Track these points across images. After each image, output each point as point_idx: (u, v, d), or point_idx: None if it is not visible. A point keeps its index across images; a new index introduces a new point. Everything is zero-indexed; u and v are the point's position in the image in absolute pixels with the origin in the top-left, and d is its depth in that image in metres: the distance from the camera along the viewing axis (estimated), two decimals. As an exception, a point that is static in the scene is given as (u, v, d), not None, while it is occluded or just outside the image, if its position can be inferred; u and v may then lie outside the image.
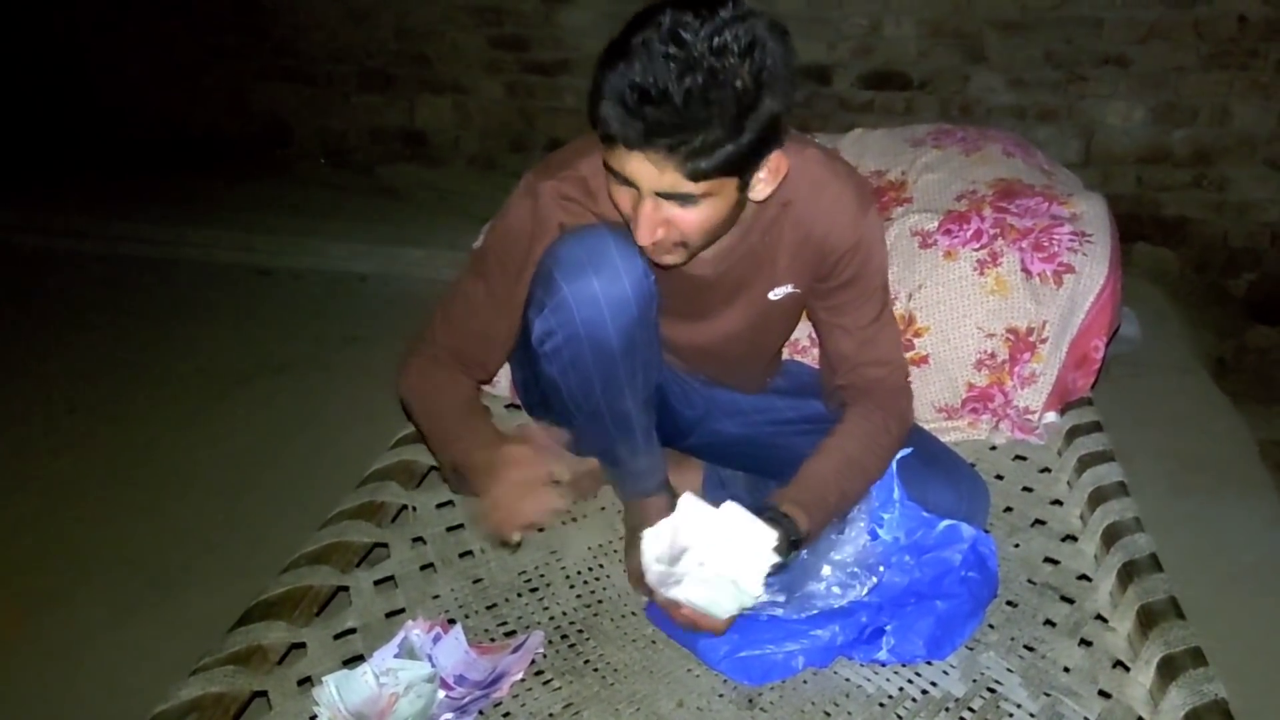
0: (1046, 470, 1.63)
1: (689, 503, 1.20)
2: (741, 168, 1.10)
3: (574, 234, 1.24)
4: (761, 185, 1.16)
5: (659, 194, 1.09)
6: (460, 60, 3.73)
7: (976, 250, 1.67)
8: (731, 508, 1.18)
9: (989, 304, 1.66)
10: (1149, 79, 3.10)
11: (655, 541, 1.18)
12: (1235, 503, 2.04)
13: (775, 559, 1.16)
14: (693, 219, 1.12)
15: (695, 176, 1.06)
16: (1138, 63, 3.09)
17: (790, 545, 1.21)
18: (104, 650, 1.72)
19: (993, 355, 1.66)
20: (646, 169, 1.06)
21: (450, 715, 1.15)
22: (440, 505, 1.59)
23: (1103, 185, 3.18)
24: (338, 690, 1.16)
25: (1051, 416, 1.70)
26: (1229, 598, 1.70)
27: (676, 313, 1.36)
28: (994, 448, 1.71)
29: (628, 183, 1.10)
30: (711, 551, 1.16)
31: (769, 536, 1.16)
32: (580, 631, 1.34)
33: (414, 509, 1.57)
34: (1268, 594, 1.74)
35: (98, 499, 2.19)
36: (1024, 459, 1.67)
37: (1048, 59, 3.15)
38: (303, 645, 1.29)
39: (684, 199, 1.09)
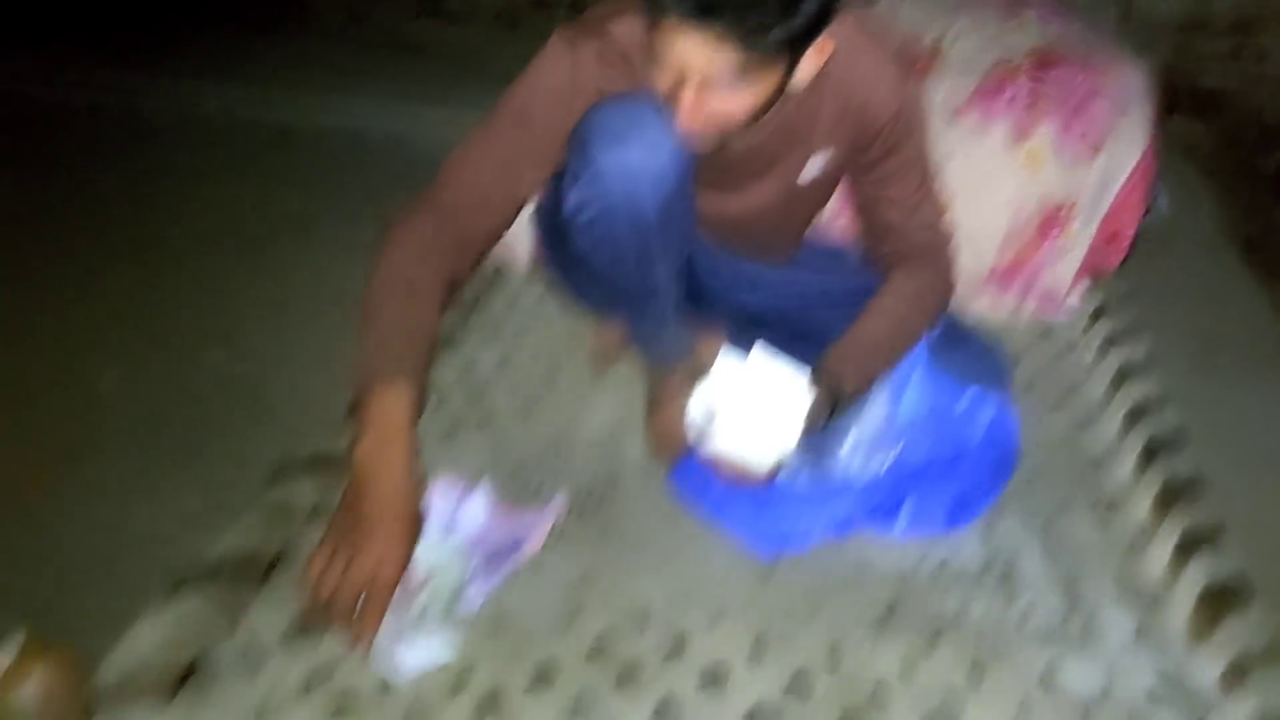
0: (1071, 348, 1.63)
1: (725, 359, 1.21)
2: (793, 49, 1.06)
3: (612, 102, 1.19)
4: (806, 68, 1.12)
5: (705, 78, 1.04)
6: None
7: (1009, 122, 1.62)
8: (762, 355, 1.18)
9: (1020, 178, 1.62)
10: (1194, -59, 2.97)
11: (695, 398, 1.20)
12: (1258, 383, 2.04)
13: (808, 406, 1.17)
14: (735, 106, 1.08)
15: (748, 59, 1.02)
16: (1182, -74, 2.95)
17: (834, 404, 1.21)
18: (130, 506, 1.75)
19: (1021, 231, 1.63)
20: (697, 49, 1.02)
21: (477, 577, 1.17)
22: (461, 371, 1.59)
23: (1140, 53, 3.07)
24: None
25: (1078, 294, 1.68)
26: (1249, 477, 1.71)
27: (707, 184, 1.33)
28: (1018, 325, 1.69)
29: (671, 64, 1.05)
30: (747, 402, 1.17)
31: (802, 383, 1.17)
32: (600, 499, 1.35)
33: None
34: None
35: (120, 355, 2.19)
36: (1048, 336, 1.66)
37: (1090, -79, 3.01)
38: (328, 506, 1.31)
39: (731, 84, 1.05)
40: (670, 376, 1.39)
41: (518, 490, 1.36)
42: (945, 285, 1.38)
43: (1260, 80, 3.09)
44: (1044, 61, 1.67)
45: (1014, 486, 1.33)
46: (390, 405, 1.09)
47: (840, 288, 1.49)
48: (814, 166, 1.31)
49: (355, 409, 1.11)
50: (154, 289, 2.43)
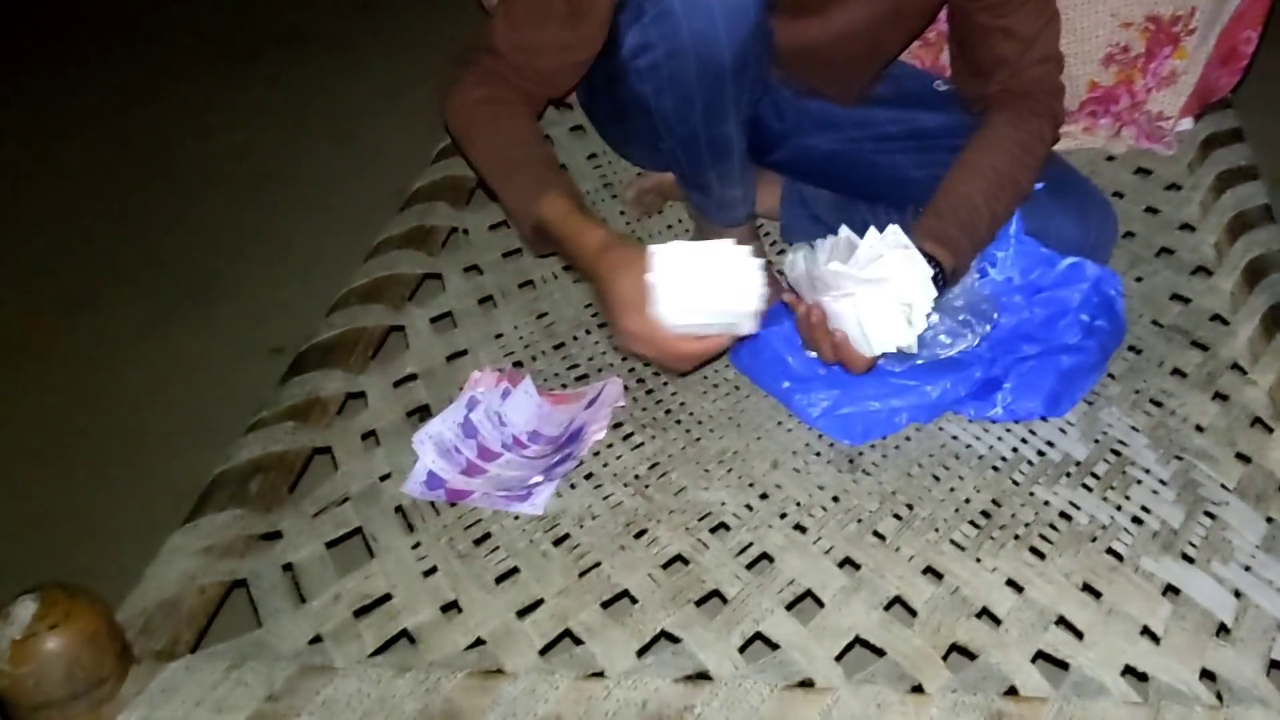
0: (1176, 187, 1.44)
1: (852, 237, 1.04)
2: None
3: None
4: None
5: None
6: None
7: (1121, -84, 1.39)
8: (897, 234, 1.01)
9: (1129, -17, 1.40)
10: None
11: (831, 248, 1.04)
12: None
13: (934, 293, 1.01)
14: None
15: None
16: None
17: (938, 287, 1.04)
18: (138, 358, 1.65)
19: (1126, 49, 1.42)
20: None
21: (539, 477, 1.06)
22: (494, 226, 1.44)
23: None
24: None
25: (1187, 123, 1.49)
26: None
27: (785, 5, 1.12)
28: (1112, 158, 1.51)
29: None
30: (875, 284, 1.00)
31: (928, 270, 1.01)
32: (658, 375, 1.23)
33: (465, 231, 1.42)
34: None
35: (113, 190, 2.04)
36: (1149, 172, 1.48)
37: None
38: (361, 395, 1.19)
39: None
40: (733, 235, 1.23)
41: (565, 369, 1.24)
42: (1054, 133, 1.21)
43: None
44: None
45: (1118, 359, 1.20)
46: (560, 221, 1.05)
47: (922, 127, 1.30)
48: None
49: (532, 240, 1.12)
50: (138, 119, 2.24)
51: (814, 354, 1.09)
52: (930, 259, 1.04)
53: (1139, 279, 1.31)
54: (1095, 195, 1.28)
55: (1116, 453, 1.09)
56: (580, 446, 1.10)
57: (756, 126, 1.32)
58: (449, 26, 1.91)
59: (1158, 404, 1.14)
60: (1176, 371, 1.18)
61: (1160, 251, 1.35)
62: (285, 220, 1.92)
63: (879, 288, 0.99)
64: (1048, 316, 1.19)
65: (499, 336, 1.28)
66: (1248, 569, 0.95)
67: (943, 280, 1.07)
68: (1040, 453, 1.10)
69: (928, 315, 1.02)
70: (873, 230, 1.01)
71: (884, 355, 1.06)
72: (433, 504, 1.06)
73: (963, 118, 1.27)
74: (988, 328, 1.16)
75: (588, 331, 1.29)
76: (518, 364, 1.24)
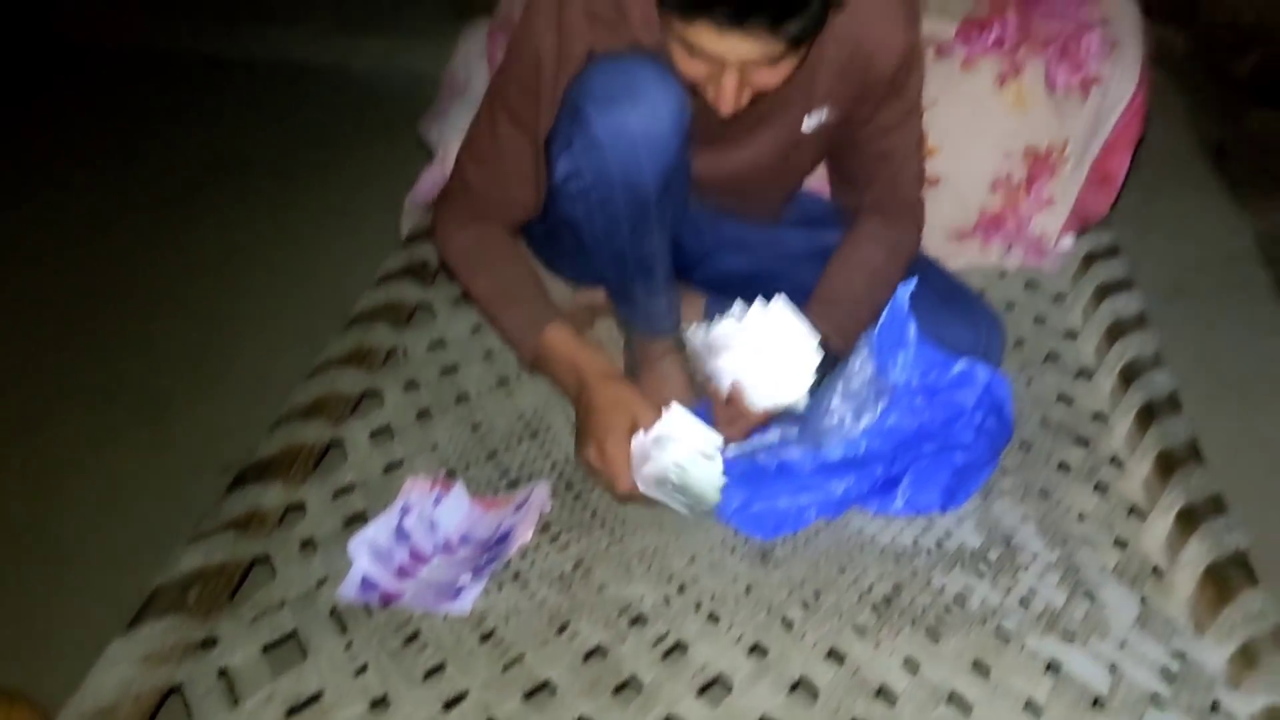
0: (1060, 298, 1.58)
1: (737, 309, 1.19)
2: (824, 18, 1.01)
3: (606, 60, 1.10)
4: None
5: (745, 65, 1.00)
6: None
7: (997, 60, 1.54)
8: (779, 304, 1.16)
9: (1008, 121, 1.55)
10: None
11: (701, 340, 1.20)
12: (1234, 304, 2.02)
13: (819, 356, 1.16)
14: (775, 77, 1.05)
15: (790, 42, 0.98)
16: None
17: (825, 362, 1.19)
18: (86, 477, 1.68)
19: (1009, 177, 1.57)
20: (739, 45, 0.97)
21: (466, 576, 1.13)
22: (432, 346, 1.52)
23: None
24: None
25: (1067, 241, 1.63)
26: (1226, 401, 1.69)
27: (702, 139, 1.24)
28: (1004, 274, 1.64)
29: (707, 57, 1.01)
30: (759, 350, 1.15)
31: (811, 334, 1.16)
32: (585, 479, 1.30)
33: (404, 351, 1.51)
34: (1265, 397, 1.74)
35: (66, 316, 2.10)
36: (1037, 286, 1.61)
37: None
38: (301, 506, 1.25)
39: (768, 65, 1.02)
40: (658, 345, 1.33)
41: (496, 477, 1.31)
42: (917, 240, 1.38)
43: (1235, -17, 3.01)
44: (1032, -7, 1.59)
45: (1010, 455, 1.30)
46: (558, 350, 1.20)
47: (828, 246, 1.42)
48: (813, 120, 1.25)
49: (533, 367, 1.26)
50: (93, 245, 2.32)
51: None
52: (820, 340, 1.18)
53: (1029, 381, 1.42)
54: (982, 305, 1.40)
55: (1007, 540, 1.18)
56: (507, 548, 1.17)
57: (678, 247, 1.43)
58: (392, 157, 2.02)
59: (1045, 495, 1.24)
60: (1062, 465, 1.28)
61: (1047, 357, 1.47)
62: (233, 341, 1.98)
63: (763, 346, 1.12)
64: (946, 419, 1.28)
65: (434, 448, 1.35)
66: (1123, 645, 1.04)
67: (831, 356, 1.19)
68: (939, 543, 1.18)
69: (813, 379, 1.15)
70: (760, 300, 1.14)
71: (776, 413, 1.20)
72: (366, 606, 1.11)
73: None
74: (885, 403, 1.26)
75: (519, 441, 1.37)
76: (451, 473, 1.30)
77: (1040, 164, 1.55)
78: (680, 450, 1.09)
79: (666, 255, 1.26)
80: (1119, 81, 1.54)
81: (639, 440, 1.12)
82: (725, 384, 1.21)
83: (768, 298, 1.47)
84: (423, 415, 1.41)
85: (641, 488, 1.14)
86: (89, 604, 1.42)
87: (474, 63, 1.72)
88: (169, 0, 3.30)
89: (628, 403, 1.14)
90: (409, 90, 1.96)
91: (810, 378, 1.16)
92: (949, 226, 1.62)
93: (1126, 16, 1.58)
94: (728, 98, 1.04)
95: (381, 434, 1.37)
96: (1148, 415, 1.28)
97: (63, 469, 1.70)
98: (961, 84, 1.55)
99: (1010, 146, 1.55)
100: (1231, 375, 1.80)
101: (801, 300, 1.32)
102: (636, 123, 1.07)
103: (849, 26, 1.15)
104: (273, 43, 3.16)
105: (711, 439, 1.11)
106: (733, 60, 1.00)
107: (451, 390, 1.45)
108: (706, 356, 1.22)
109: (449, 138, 1.68)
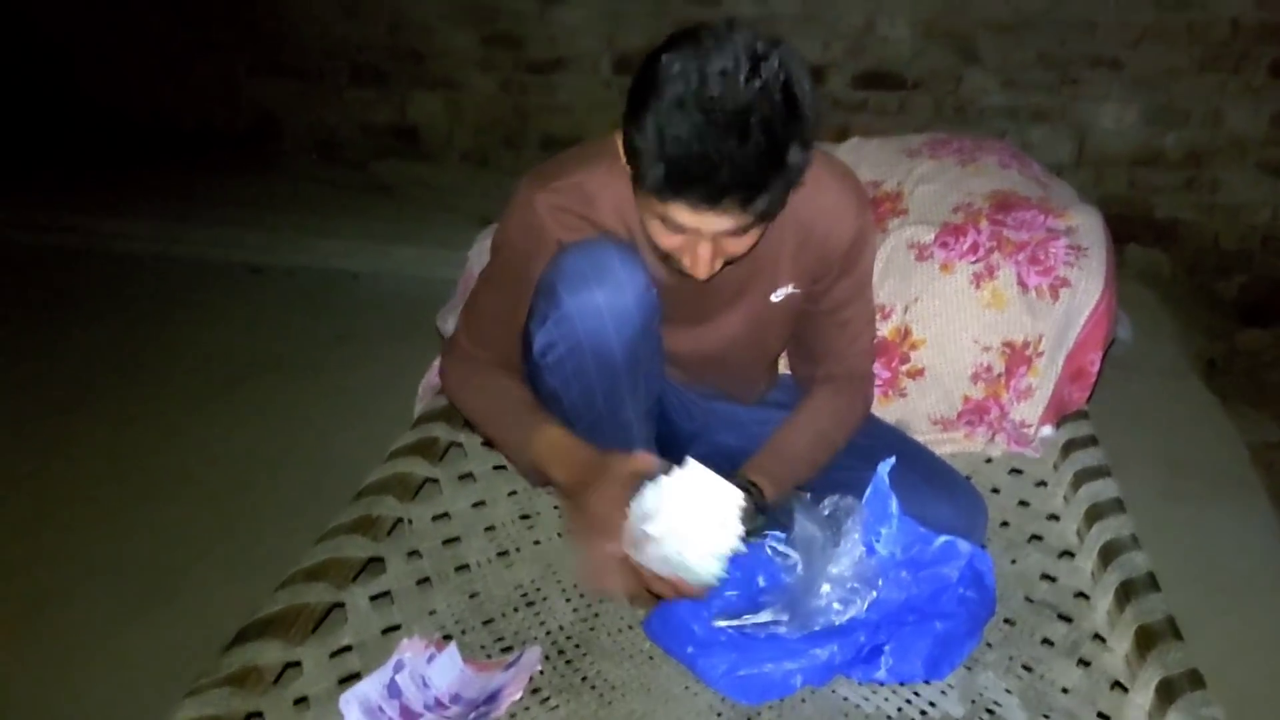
0: (1043, 484, 1.64)
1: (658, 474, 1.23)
2: (787, 195, 1.14)
3: (576, 246, 1.25)
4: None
5: (716, 236, 1.13)
6: (453, 57, 3.71)
7: (973, 263, 1.67)
8: (695, 467, 1.20)
9: (985, 317, 1.66)
10: (1142, 81, 3.11)
11: (632, 511, 1.22)
12: (1227, 509, 2.06)
13: (740, 523, 1.19)
14: (743, 245, 1.17)
15: (759, 216, 1.11)
16: (1131, 65, 3.10)
17: (756, 511, 1.26)
18: (98, 656, 1.71)
19: (989, 368, 1.66)
20: (713, 221, 1.10)
21: (449, 736, 1.15)
22: (436, 518, 1.58)
23: (1095, 187, 3.19)
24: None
25: (1048, 430, 1.70)
26: (1221, 606, 1.71)
27: (678, 319, 1.37)
28: (989, 460, 1.71)
29: (681, 230, 1.13)
30: (681, 512, 1.18)
31: (734, 490, 1.19)
32: (577, 647, 1.33)
33: (410, 522, 1.56)
34: (1260, 602, 1.76)
35: (89, 501, 2.17)
36: (1020, 472, 1.67)
37: (1041, 60, 3.16)
38: (298, 664, 1.28)
39: (739, 235, 1.14)
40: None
41: (491, 642, 1.34)
42: (864, 409, 1.50)
43: (1214, 209, 3.21)
44: (1004, 204, 1.73)
45: (994, 629, 1.33)
46: (552, 446, 1.31)
47: None
48: (779, 295, 1.38)
49: (531, 475, 1.40)
50: (121, 436, 2.42)
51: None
52: (753, 485, 1.28)
53: (1013, 561, 1.46)
54: (963, 483, 1.46)
55: (991, 711, 1.19)
56: (497, 706, 1.19)
57: (671, 427, 1.52)
58: (414, 354, 2.13)
59: (1029, 669, 1.26)
60: (1045, 641, 1.31)
61: (1031, 538, 1.51)
62: (249, 525, 2.05)
63: (685, 504, 1.17)
64: (926, 588, 1.32)
65: (432, 613, 1.39)
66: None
67: (762, 503, 1.28)
68: (923, 712, 1.20)
69: (740, 528, 1.19)
70: (674, 470, 1.20)
71: (715, 578, 1.22)
72: (354, 760, 1.13)
73: None
74: (874, 594, 1.29)
75: (515, 610, 1.40)
76: (447, 636, 1.33)
77: (1017, 356, 1.65)
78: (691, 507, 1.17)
79: (644, 426, 1.36)
80: (1086, 285, 1.65)
81: (642, 498, 1.19)
82: (656, 563, 1.22)
83: None
84: (423, 582, 1.45)
85: (636, 556, 1.20)
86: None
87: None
88: (216, 215, 3.56)
89: (618, 474, 1.24)
90: (435, 294, 2.11)
91: (736, 535, 1.20)
92: (935, 415, 1.70)
93: (1092, 226, 1.71)
94: (702, 265, 1.16)
95: (381, 598, 1.41)
96: (1126, 593, 1.32)
97: (77, 646, 1.74)
98: (941, 284, 1.67)
99: (988, 340, 1.65)
100: (1224, 578, 1.83)
101: None
102: (603, 297, 1.21)
103: (807, 211, 1.29)
104: (309, 251, 3.38)
105: (731, 495, 1.18)
106: (707, 233, 1.12)
107: (453, 560, 1.50)
108: (636, 538, 1.23)
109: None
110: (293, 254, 3.43)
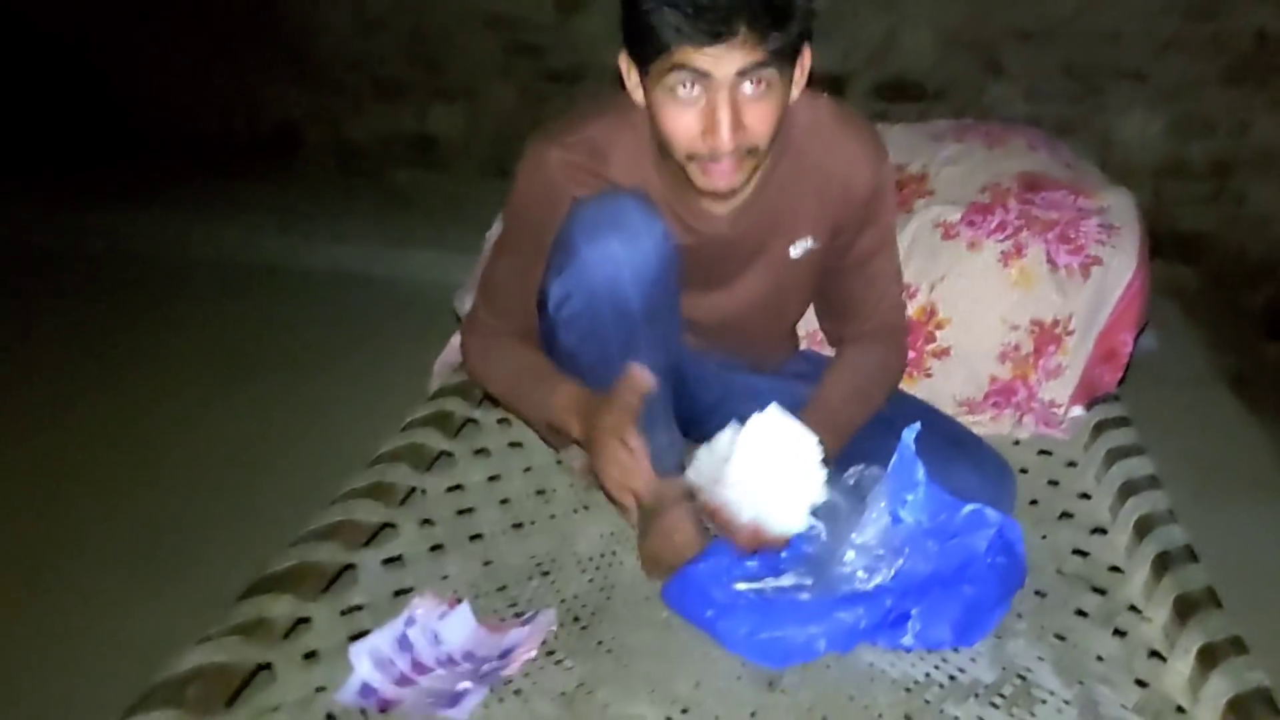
0: (1073, 464, 1.59)
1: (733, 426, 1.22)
2: (797, 46, 1.14)
3: (594, 199, 1.22)
4: (798, 81, 1.20)
5: (737, 75, 1.09)
6: (473, 67, 3.72)
7: (1001, 241, 1.64)
8: (776, 410, 1.19)
9: (1013, 296, 1.62)
10: (1167, 92, 3.08)
11: (710, 451, 1.21)
12: (1259, 510, 2.01)
13: (822, 470, 1.17)
14: (764, 112, 1.13)
15: (771, 54, 1.09)
16: (1155, 75, 3.07)
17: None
18: (102, 637, 1.68)
19: (1017, 348, 1.62)
20: (725, 57, 1.07)
21: (468, 683, 1.11)
22: (450, 489, 1.55)
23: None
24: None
25: (1077, 411, 1.66)
26: (1255, 606, 1.65)
27: (698, 282, 1.34)
28: (1017, 442, 1.66)
29: (691, 92, 1.11)
30: (765, 463, 1.17)
31: (814, 443, 1.18)
32: (593, 614, 1.29)
33: (423, 491, 1.53)
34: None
35: (100, 489, 2.15)
36: (1049, 453, 1.63)
37: (1065, 70, 3.13)
38: (308, 620, 1.25)
39: (757, 86, 1.11)
40: (662, 487, 1.36)
41: (504, 606, 1.30)
42: (901, 365, 1.48)
43: (1239, 221, 3.17)
44: (1032, 184, 1.70)
45: (1024, 600, 1.28)
46: (570, 409, 1.31)
47: None
48: (798, 250, 1.35)
49: (549, 435, 1.47)
50: (134, 423, 2.41)
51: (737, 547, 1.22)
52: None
53: (1044, 536, 1.42)
54: (991, 452, 1.42)
55: (1022, 677, 1.15)
56: (510, 663, 1.15)
57: (690, 400, 1.48)
58: (427, 355, 2.11)
59: (1061, 638, 1.21)
60: (1079, 612, 1.26)
61: (1062, 515, 1.47)
62: (259, 510, 2.02)
63: (765, 457, 1.14)
64: (954, 558, 1.27)
65: (445, 578, 1.35)
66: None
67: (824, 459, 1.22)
68: (951, 677, 1.15)
69: (823, 484, 1.17)
70: (755, 416, 1.17)
71: (796, 530, 1.19)
72: (363, 711, 1.09)
73: None
74: (900, 562, 1.25)
75: (530, 578, 1.36)
76: (459, 599, 1.30)
77: (1046, 335, 1.61)
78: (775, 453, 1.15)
79: (663, 388, 1.32)
80: (1118, 263, 1.62)
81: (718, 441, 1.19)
82: (736, 511, 1.21)
83: None
84: (436, 549, 1.42)
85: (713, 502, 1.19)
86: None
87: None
88: (236, 219, 3.56)
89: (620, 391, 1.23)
90: (451, 298, 2.09)
91: (820, 483, 1.17)
92: (961, 396, 1.66)
93: (1124, 206, 1.68)
94: (724, 131, 1.11)
95: (394, 562, 1.38)
96: (1163, 564, 1.27)
97: (80, 626, 1.71)
98: (968, 262, 1.63)
99: (1016, 319, 1.61)
100: (1262, 571, 1.77)
101: None
102: (619, 245, 1.18)
103: (825, 159, 1.29)
104: (325, 254, 3.38)
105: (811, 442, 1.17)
106: (721, 76, 1.09)
107: (466, 529, 1.46)
108: (710, 485, 1.23)
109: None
110: (309, 257, 3.42)
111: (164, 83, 4.12)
